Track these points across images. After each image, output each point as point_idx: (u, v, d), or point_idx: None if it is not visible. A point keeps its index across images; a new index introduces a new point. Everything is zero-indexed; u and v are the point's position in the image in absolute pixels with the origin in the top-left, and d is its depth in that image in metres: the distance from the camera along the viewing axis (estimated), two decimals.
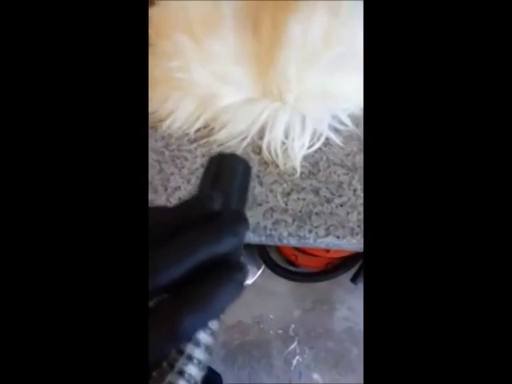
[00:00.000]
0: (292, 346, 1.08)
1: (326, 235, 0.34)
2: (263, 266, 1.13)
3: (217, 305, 0.16)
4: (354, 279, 1.05)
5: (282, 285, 1.13)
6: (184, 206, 0.20)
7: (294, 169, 0.36)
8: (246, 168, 0.24)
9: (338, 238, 0.34)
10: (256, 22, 0.38)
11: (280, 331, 1.10)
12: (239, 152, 0.38)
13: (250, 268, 1.13)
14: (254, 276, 1.15)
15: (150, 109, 0.39)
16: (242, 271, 0.17)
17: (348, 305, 1.11)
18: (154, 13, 0.43)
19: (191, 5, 0.40)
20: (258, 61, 0.38)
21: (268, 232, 0.34)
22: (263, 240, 0.34)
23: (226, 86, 0.37)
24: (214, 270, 0.17)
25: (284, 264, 1.11)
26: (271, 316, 1.13)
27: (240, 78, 0.38)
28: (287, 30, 0.35)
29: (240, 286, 0.17)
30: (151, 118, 0.40)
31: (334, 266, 1.05)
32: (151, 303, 0.15)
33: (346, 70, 0.37)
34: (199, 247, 0.17)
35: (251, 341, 1.08)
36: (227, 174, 0.23)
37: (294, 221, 0.34)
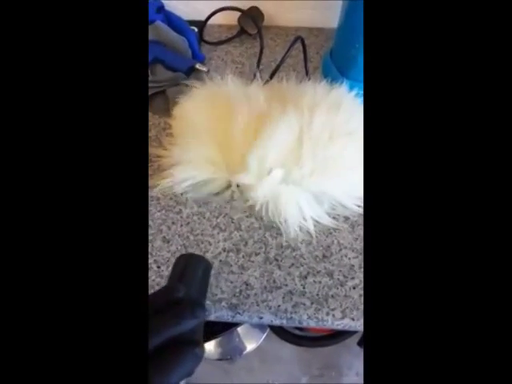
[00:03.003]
0: None
1: (343, 317, 0.36)
2: (268, 330, 1.12)
3: (179, 372, 0.22)
4: (360, 343, 1.04)
5: (287, 349, 1.11)
6: (155, 294, 0.26)
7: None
8: (207, 266, 0.31)
9: (353, 320, 0.36)
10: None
11: None
12: (257, 238, 0.41)
13: (255, 332, 1.11)
14: (258, 341, 1.13)
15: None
16: (198, 346, 0.23)
17: (356, 370, 1.08)
18: (173, 123, 0.49)
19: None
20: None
21: (289, 315, 0.37)
22: (284, 323, 0.37)
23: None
24: (177, 345, 0.22)
25: (289, 328, 1.09)
26: None
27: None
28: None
29: (197, 358, 0.23)
30: (177, 199, 0.44)
31: (341, 330, 1.04)
32: None
33: (349, 159, 0.42)
34: (164, 328, 0.22)
35: None
36: (191, 270, 0.30)
37: (312, 304, 0.37)
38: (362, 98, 0.50)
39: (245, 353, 1.08)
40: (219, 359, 1.08)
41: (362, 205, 0.42)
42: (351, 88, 0.51)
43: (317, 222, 0.41)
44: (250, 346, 1.10)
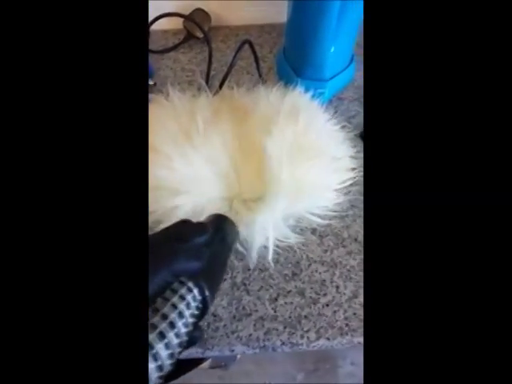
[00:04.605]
0: None
1: (318, 338, 0.35)
2: None
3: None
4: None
5: None
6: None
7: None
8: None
9: (329, 339, 0.35)
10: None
11: None
12: None
13: None
14: None
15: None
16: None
17: (351, 359, 1.09)
18: None
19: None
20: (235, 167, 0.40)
21: (261, 344, 0.35)
22: (257, 352, 0.35)
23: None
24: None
25: None
26: None
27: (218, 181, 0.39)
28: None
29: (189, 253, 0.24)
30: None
31: None
32: None
33: (314, 169, 0.40)
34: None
35: None
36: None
37: (285, 328, 0.35)
38: (318, 99, 0.48)
39: (238, 357, 1.07)
40: (213, 367, 1.06)
41: (328, 213, 0.41)
42: (307, 88, 0.48)
43: (282, 240, 0.39)
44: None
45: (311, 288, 0.37)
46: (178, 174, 0.39)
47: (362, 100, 0.53)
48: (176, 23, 0.61)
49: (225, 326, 0.35)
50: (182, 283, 0.22)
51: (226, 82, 0.51)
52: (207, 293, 0.22)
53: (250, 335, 0.35)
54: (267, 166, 0.36)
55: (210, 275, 0.24)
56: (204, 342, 0.35)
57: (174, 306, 0.20)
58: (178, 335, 0.20)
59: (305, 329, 0.35)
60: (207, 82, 0.52)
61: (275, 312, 0.36)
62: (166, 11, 0.57)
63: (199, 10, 0.59)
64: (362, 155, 0.47)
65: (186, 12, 0.59)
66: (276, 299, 0.37)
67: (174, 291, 0.21)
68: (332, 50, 0.47)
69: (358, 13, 0.46)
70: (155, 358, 0.18)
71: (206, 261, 0.24)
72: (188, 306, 0.21)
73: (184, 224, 0.25)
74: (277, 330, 0.35)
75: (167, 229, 0.25)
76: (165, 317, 0.20)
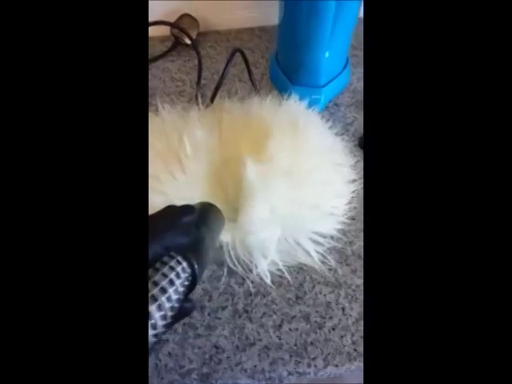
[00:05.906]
0: None
1: (325, 366, 0.33)
2: None
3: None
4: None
5: None
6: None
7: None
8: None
9: (337, 366, 0.33)
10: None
11: None
12: (222, 289, 0.37)
13: None
14: None
15: None
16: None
17: None
18: None
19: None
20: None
21: (267, 375, 0.33)
22: None
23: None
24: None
25: None
26: None
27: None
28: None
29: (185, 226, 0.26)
30: None
31: None
32: None
33: (317, 190, 0.39)
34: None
35: None
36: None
37: (290, 356, 0.34)
38: (314, 107, 0.46)
39: None
40: None
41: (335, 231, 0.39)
42: (302, 96, 0.46)
43: (285, 262, 0.37)
44: None
45: (316, 312, 0.36)
46: (169, 199, 0.37)
47: (359, 105, 0.51)
48: (163, 30, 0.58)
49: (228, 357, 0.34)
50: (172, 257, 0.23)
51: (218, 92, 0.49)
52: (196, 266, 0.23)
53: (255, 366, 0.33)
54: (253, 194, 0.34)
55: (198, 252, 0.25)
56: (206, 376, 0.33)
57: (165, 275, 0.21)
58: (169, 299, 0.21)
59: (311, 356, 0.34)
60: (197, 96, 0.50)
61: (280, 340, 0.34)
62: (151, 17, 0.54)
63: (186, 16, 0.56)
64: (361, 165, 0.45)
65: (173, 18, 0.56)
66: (280, 326, 0.35)
67: (164, 263, 0.22)
68: (327, 55, 0.45)
69: (354, 12, 0.44)
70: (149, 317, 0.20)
71: (194, 238, 0.25)
72: (178, 275, 0.22)
73: (170, 207, 0.27)
74: (282, 359, 0.34)
75: (154, 213, 0.26)
76: (156, 283, 0.21)
